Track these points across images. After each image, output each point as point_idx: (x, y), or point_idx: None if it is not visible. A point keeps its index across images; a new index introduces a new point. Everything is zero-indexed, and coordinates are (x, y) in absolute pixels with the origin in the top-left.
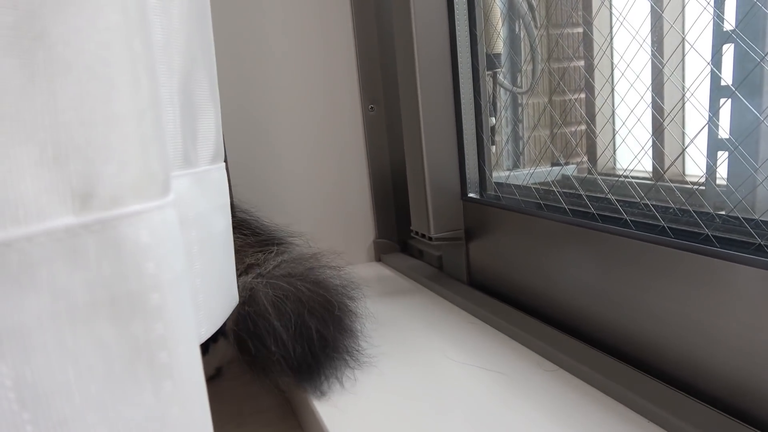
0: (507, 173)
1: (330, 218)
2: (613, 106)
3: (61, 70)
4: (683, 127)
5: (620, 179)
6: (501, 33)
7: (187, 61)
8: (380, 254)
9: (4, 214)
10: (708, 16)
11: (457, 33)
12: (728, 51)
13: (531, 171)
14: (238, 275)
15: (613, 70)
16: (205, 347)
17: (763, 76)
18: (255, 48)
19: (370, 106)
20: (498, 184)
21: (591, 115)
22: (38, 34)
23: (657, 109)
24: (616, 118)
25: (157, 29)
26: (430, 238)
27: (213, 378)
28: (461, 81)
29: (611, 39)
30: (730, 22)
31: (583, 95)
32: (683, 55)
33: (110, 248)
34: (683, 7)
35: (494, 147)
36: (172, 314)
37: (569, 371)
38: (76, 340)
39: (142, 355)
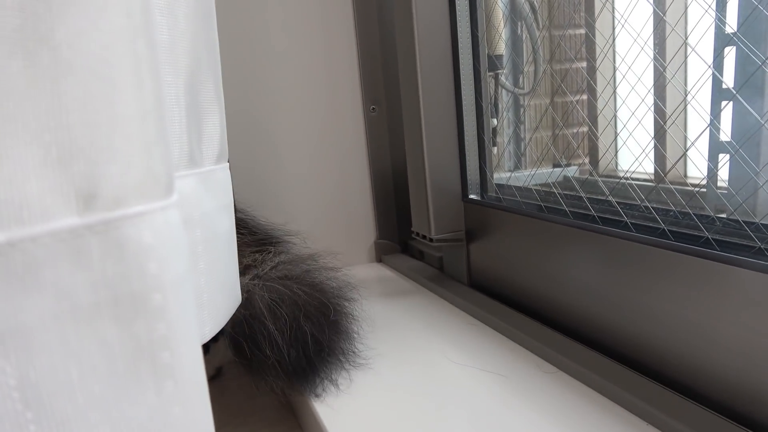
0: (508, 174)
1: (331, 219)
2: (614, 108)
3: (65, 71)
4: (684, 129)
5: (621, 181)
6: (503, 34)
7: (193, 62)
8: (381, 255)
9: (8, 215)
10: (710, 19)
11: (459, 34)
12: (730, 54)
13: (532, 172)
14: None
15: (614, 72)
16: (206, 347)
17: (765, 79)
18: (257, 48)
19: (371, 107)
20: (499, 185)
21: (592, 117)
22: (43, 36)
23: (658, 111)
24: (618, 120)
25: (163, 30)
26: (431, 239)
27: (214, 378)
28: (463, 82)
29: (613, 41)
30: (731, 25)
31: (584, 97)
32: (685, 58)
33: (113, 249)
34: (685, 10)
35: (496, 148)
36: (175, 314)
37: (569, 373)
38: (79, 340)
39: (144, 355)
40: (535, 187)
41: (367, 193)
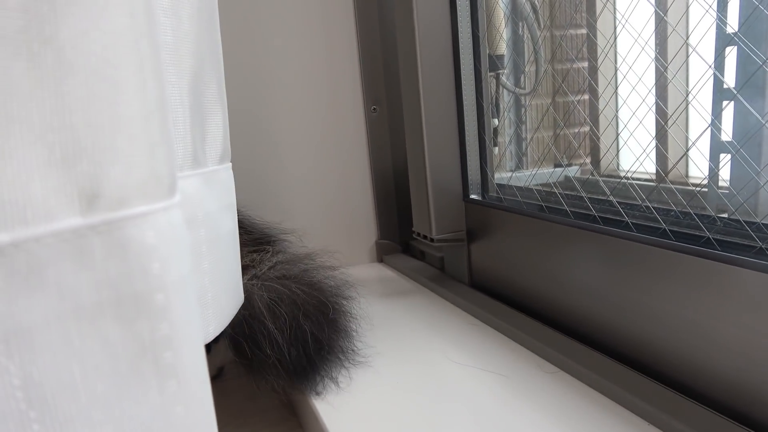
0: (509, 174)
1: (332, 219)
2: (615, 108)
3: (68, 72)
4: (686, 129)
5: (622, 181)
6: (504, 34)
7: (197, 63)
8: (382, 255)
9: (12, 215)
10: (711, 19)
11: (460, 34)
12: (731, 54)
13: (533, 172)
14: None
15: (616, 72)
16: (208, 347)
17: (766, 78)
18: (257, 48)
19: (372, 107)
20: (500, 185)
21: (594, 117)
22: (47, 37)
23: (659, 111)
24: (619, 119)
25: (167, 31)
26: (432, 240)
27: (215, 377)
28: (464, 82)
29: (614, 41)
30: (732, 25)
31: (586, 97)
32: (686, 58)
33: (116, 249)
34: (686, 10)
35: (497, 148)
36: (177, 314)
37: (570, 373)
38: (82, 339)
39: (147, 355)
40: (536, 187)
41: (368, 193)
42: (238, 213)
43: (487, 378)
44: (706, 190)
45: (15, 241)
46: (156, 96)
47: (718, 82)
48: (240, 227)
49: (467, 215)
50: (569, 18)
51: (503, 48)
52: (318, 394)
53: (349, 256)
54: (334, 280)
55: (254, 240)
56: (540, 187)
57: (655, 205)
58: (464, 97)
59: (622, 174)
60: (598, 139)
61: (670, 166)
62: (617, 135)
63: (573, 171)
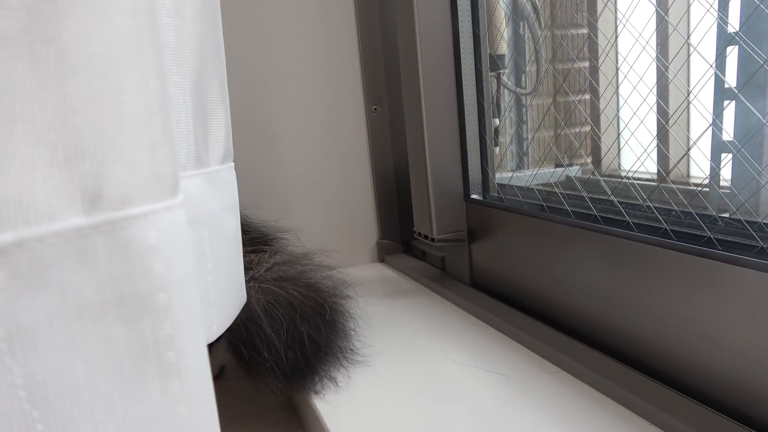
0: (510, 174)
1: (333, 219)
2: (616, 107)
3: (71, 72)
4: (687, 129)
5: (623, 181)
6: (504, 34)
7: (199, 63)
8: (383, 255)
9: (15, 215)
10: (712, 19)
11: (461, 34)
12: (732, 53)
13: (534, 172)
14: None
15: (617, 72)
16: (209, 347)
17: (767, 78)
18: (258, 48)
19: (373, 107)
20: (501, 185)
21: (594, 117)
22: (50, 37)
23: (660, 111)
24: (620, 119)
25: (170, 31)
26: (433, 239)
27: (217, 377)
28: (464, 82)
29: (615, 40)
30: (733, 24)
31: (586, 96)
32: (687, 57)
33: (119, 249)
34: (687, 9)
35: (498, 148)
36: (180, 314)
37: (571, 373)
38: (85, 339)
39: (150, 355)
40: (537, 187)
41: (369, 193)
42: None
43: (488, 378)
44: (707, 189)
45: (18, 241)
46: (158, 96)
47: (719, 82)
48: None
49: (468, 215)
50: (570, 17)
51: (504, 48)
52: (317, 393)
53: (350, 257)
54: (331, 280)
55: (252, 240)
56: (541, 187)
57: (657, 205)
58: (465, 97)
59: (623, 174)
60: (599, 138)
61: (671, 165)
62: (618, 135)
63: (574, 171)
